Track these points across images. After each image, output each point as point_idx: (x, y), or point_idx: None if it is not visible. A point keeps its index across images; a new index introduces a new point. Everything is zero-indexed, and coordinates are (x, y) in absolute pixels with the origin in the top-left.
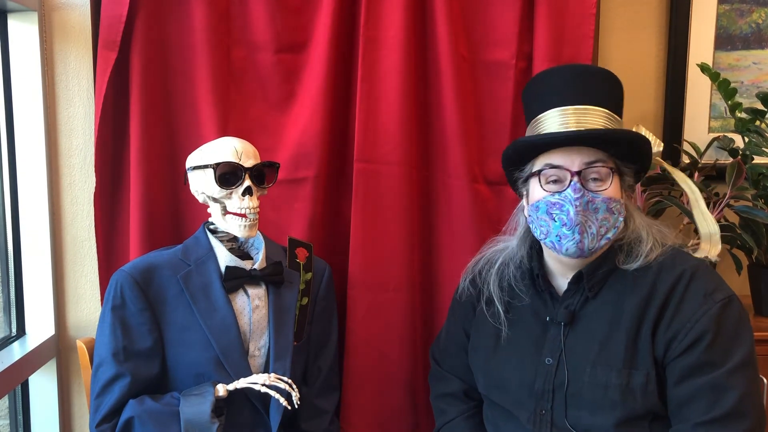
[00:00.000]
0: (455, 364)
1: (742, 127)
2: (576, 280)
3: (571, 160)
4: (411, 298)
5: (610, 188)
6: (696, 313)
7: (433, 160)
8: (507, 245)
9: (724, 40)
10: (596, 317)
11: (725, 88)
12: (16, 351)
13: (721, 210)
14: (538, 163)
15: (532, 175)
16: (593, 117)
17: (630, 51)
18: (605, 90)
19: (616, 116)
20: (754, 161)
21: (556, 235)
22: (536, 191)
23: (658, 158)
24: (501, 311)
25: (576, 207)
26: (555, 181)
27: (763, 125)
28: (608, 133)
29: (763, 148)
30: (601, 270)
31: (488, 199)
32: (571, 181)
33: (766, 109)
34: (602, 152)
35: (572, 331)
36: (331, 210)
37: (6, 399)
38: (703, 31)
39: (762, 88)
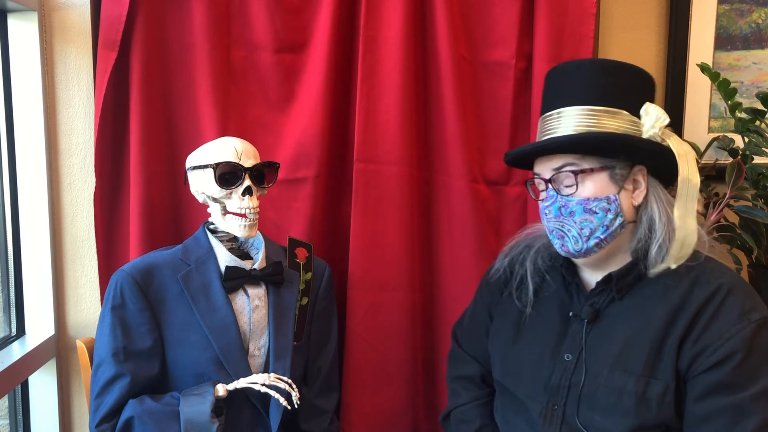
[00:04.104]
0: (476, 346)
1: (742, 127)
2: (605, 281)
3: (544, 167)
4: (411, 298)
5: (584, 189)
6: (729, 331)
7: (433, 160)
8: (544, 232)
9: (724, 40)
10: (620, 319)
11: (725, 88)
12: (16, 351)
13: (721, 210)
14: (534, 172)
15: (531, 183)
16: (565, 120)
17: (630, 51)
18: (582, 83)
19: (598, 108)
20: (754, 161)
21: (552, 240)
22: (537, 199)
23: (667, 133)
24: (531, 291)
25: (547, 215)
26: (543, 189)
27: (763, 125)
28: (548, 142)
29: (763, 148)
30: (631, 274)
31: (488, 198)
32: (546, 188)
33: (766, 109)
34: (572, 155)
35: (595, 329)
36: (331, 210)
37: (6, 399)
38: (703, 31)
39: (762, 88)
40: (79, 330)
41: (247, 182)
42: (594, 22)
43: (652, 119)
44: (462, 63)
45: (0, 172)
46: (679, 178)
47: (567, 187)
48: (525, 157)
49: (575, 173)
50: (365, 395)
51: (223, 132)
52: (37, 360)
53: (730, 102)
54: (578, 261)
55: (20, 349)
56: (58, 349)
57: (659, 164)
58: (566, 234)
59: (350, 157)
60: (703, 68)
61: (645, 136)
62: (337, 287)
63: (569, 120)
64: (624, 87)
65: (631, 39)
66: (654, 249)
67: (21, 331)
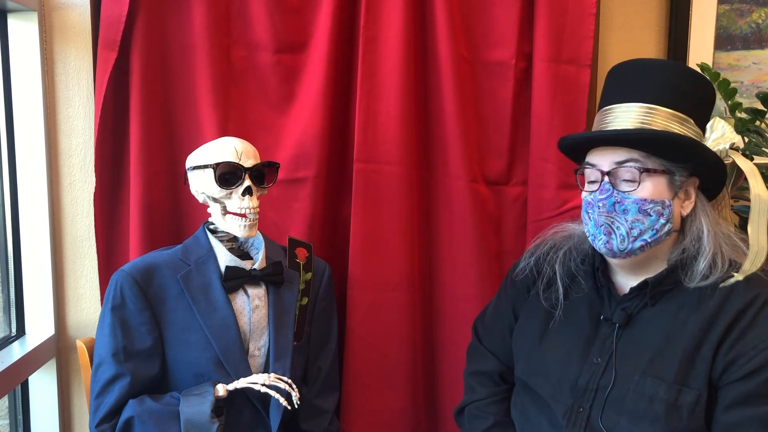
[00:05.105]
0: (496, 342)
1: (742, 127)
2: (640, 287)
3: (603, 159)
4: (411, 298)
5: (643, 189)
6: (763, 342)
7: (433, 160)
8: (573, 233)
9: (724, 40)
10: (653, 326)
11: (725, 88)
12: (16, 351)
13: (721, 210)
14: (585, 161)
15: (580, 172)
16: (634, 114)
17: (630, 51)
18: (659, 83)
19: (670, 111)
20: (753, 161)
21: (592, 234)
22: (582, 189)
23: (733, 152)
24: (561, 294)
25: (599, 208)
26: (594, 181)
27: (763, 125)
28: (623, 133)
29: (763, 148)
30: (667, 281)
31: (488, 198)
32: (602, 180)
33: (766, 109)
34: (638, 152)
35: (625, 334)
36: (331, 210)
37: (6, 399)
38: (703, 31)
39: (762, 88)
40: (79, 330)
41: (247, 182)
42: (594, 22)
43: (718, 135)
44: (462, 63)
45: (0, 172)
46: (751, 195)
47: (626, 182)
48: (578, 146)
49: (640, 171)
50: (365, 395)
51: (223, 132)
52: (37, 360)
53: (730, 102)
54: (615, 261)
55: (20, 349)
56: (58, 349)
57: (712, 180)
58: (614, 231)
59: (350, 157)
60: (703, 68)
61: None
62: (337, 287)
63: (637, 115)
64: (697, 97)
65: (631, 39)
66: (702, 264)
67: (21, 331)
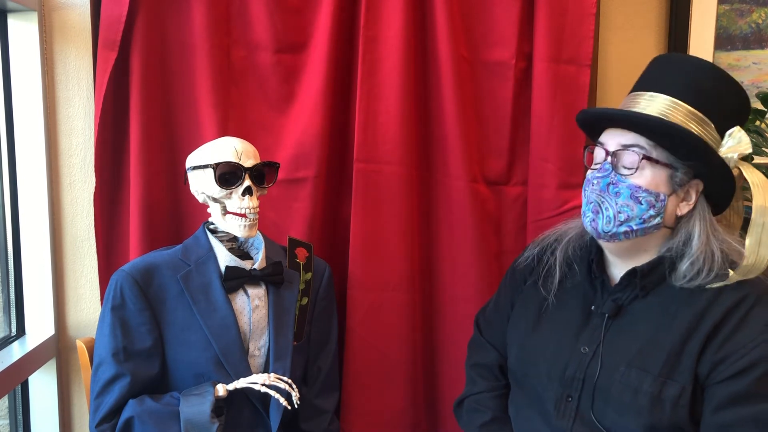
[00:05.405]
0: (496, 334)
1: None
2: (630, 275)
3: (612, 139)
4: (411, 298)
5: (641, 176)
6: (754, 340)
7: (433, 160)
8: (578, 224)
9: (724, 40)
10: (642, 318)
11: None
12: (16, 351)
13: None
14: (597, 139)
15: (589, 150)
16: (655, 104)
17: (630, 51)
18: (688, 80)
19: (691, 109)
20: (754, 161)
21: (583, 211)
22: (588, 167)
23: (742, 163)
24: (556, 279)
25: (593, 185)
26: (600, 162)
27: (763, 125)
28: (633, 115)
29: (763, 148)
30: (657, 271)
31: (488, 198)
32: (605, 159)
33: (766, 109)
34: (645, 139)
35: (615, 324)
36: (330, 210)
37: (6, 399)
38: (703, 31)
39: (762, 88)
40: (79, 330)
41: (247, 182)
42: (594, 22)
43: (734, 143)
44: (462, 63)
45: (0, 172)
46: (754, 207)
47: (626, 168)
48: (595, 123)
49: (641, 157)
50: (365, 395)
51: (223, 132)
52: (37, 360)
53: None
54: (602, 243)
55: (20, 349)
56: (58, 349)
57: (716, 188)
58: (602, 211)
59: (350, 157)
60: None
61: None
62: (337, 287)
63: (659, 105)
64: (725, 104)
65: (631, 39)
66: (685, 265)
67: (21, 331)
